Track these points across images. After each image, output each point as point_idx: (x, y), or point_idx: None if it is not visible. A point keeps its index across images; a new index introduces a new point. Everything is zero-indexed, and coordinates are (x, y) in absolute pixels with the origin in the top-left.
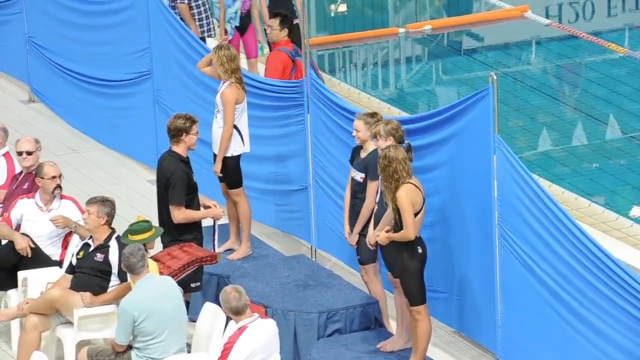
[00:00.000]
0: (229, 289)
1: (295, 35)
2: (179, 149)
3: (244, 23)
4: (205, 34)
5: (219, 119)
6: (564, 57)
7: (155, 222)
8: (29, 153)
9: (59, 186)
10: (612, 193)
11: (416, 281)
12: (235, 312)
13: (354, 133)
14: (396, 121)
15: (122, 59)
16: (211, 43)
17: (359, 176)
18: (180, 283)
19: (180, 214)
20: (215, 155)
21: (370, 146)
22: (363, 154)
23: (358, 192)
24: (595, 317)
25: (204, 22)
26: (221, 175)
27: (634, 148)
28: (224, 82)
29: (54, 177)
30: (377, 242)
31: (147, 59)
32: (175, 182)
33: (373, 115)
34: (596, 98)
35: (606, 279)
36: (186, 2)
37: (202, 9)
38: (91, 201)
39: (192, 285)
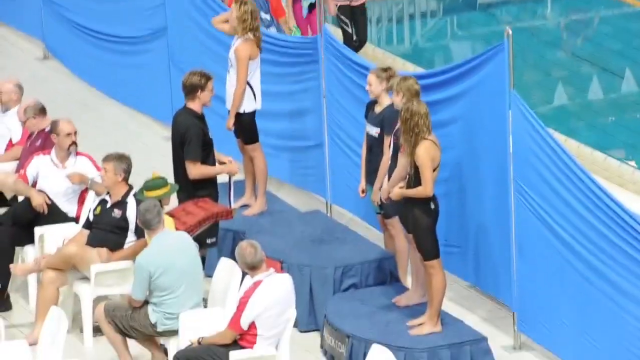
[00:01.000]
0: (244, 245)
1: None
2: (194, 106)
3: (312, 5)
4: None
5: (232, 74)
6: (579, 11)
7: (170, 178)
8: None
9: (74, 143)
10: (628, 146)
11: (429, 236)
12: (250, 267)
13: (367, 87)
14: (412, 77)
15: (136, 15)
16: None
17: (375, 131)
18: (196, 239)
19: (196, 170)
20: (229, 111)
21: (385, 100)
22: (378, 109)
23: (374, 146)
24: (611, 271)
25: None
26: (235, 130)
27: None
28: (238, 38)
29: (69, 134)
30: (389, 197)
31: (161, 15)
32: (190, 138)
33: (386, 70)
34: (612, 52)
35: (622, 232)
36: None
37: None
38: (107, 158)
39: (208, 241)
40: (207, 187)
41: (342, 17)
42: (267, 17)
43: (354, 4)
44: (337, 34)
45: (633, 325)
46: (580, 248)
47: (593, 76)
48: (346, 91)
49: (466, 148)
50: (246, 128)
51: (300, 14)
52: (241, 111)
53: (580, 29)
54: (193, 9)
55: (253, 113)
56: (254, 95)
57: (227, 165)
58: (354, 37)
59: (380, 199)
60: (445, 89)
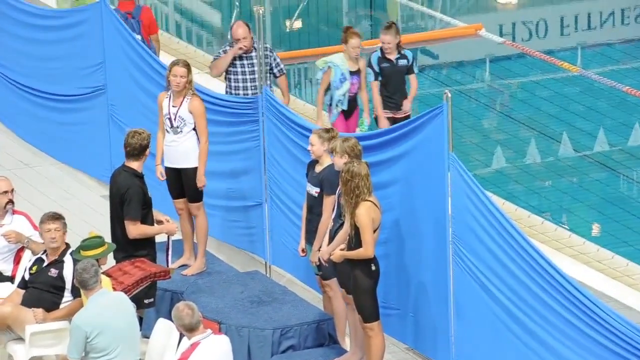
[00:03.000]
0: (181, 306)
1: None
2: (135, 165)
3: (351, 107)
4: (250, 91)
5: (184, 132)
6: (517, 75)
7: (108, 237)
8: None
9: (10, 201)
10: (564, 211)
11: (369, 298)
12: (188, 329)
13: (309, 147)
14: (354, 139)
15: (76, 73)
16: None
17: (314, 190)
18: (133, 299)
19: (135, 229)
20: (172, 169)
21: (326, 160)
22: (318, 168)
23: (314, 207)
24: (547, 334)
25: (248, 78)
26: (176, 189)
27: (586, 166)
28: (185, 98)
29: (5, 192)
30: (329, 258)
31: (101, 73)
32: (131, 197)
33: (328, 130)
34: (549, 116)
35: (558, 296)
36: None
37: (253, 68)
38: (54, 217)
39: (146, 301)
40: (146, 247)
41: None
42: (139, 37)
43: (398, 115)
44: (277, 94)
45: None
46: (517, 311)
47: (531, 140)
48: (286, 151)
49: (405, 209)
50: (193, 184)
51: (337, 123)
52: (191, 166)
53: (517, 93)
54: (132, 68)
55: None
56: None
57: (166, 225)
58: None
59: (319, 260)
60: (385, 150)
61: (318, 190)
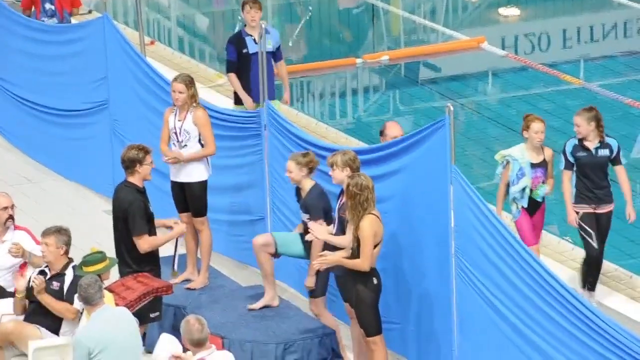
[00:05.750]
0: (192, 320)
1: None
2: (135, 180)
3: (535, 201)
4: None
5: (190, 146)
6: (520, 88)
7: (110, 252)
8: None
9: (11, 217)
10: (567, 224)
11: (371, 312)
12: (195, 344)
13: (287, 174)
14: (353, 152)
15: (78, 88)
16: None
17: (305, 217)
18: (138, 313)
19: (145, 243)
20: (176, 183)
21: (306, 185)
22: (303, 194)
23: (307, 230)
24: (551, 348)
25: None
26: (180, 204)
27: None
28: (187, 111)
29: (5, 208)
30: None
31: (103, 88)
32: (134, 213)
33: (305, 155)
34: (552, 129)
35: (562, 309)
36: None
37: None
38: (47, 232)
39: (151, 315)
40: (150, 262)
41: (586, 226)
42: (52, 7)
43: (600, 210)
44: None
45: None
46: (520, 324)
47: None
48: None
49: (408, 223)
50: (197, 198)
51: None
52: (194, 180)
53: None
54: (135, 83)
55: (205, 182)
56: (208, 162)
57: (175, 230)
58: (595, 246)
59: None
60: (387, 163)
61: (308, 216)
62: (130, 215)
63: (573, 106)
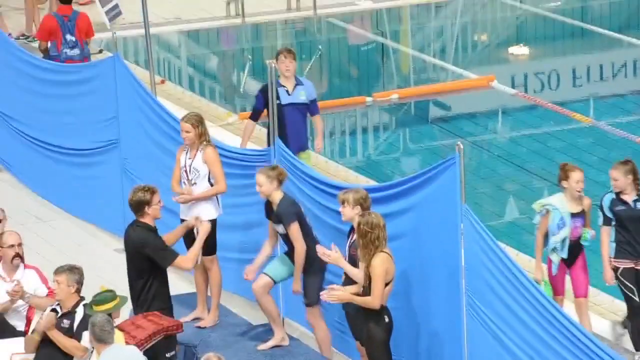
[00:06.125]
0: (214, 357)
1: None
2: (146, 220)
3: (574, 252)
4: None
5: (199, 184)
6: (530, 127)
7: (120, 291)
8: None
9: (18, 255)
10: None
11: (383, 350)
12: None
13: (258, 188)
14: (364, 191)
15: (89, 127)
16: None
17: (281, 229)
18: (154, 352)
19: (185, 262)
20: (182, 222)
21: (276, 197)
22: (274, 207)
23: (288, 243)
24: None
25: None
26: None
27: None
28: (197, 149)
29: (12, 246)
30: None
31: (114, 127)
32: (155, 248)
33: (274, 168)
34: None
35: (573, 348)
36: None
37: None
38: (59, 270)
39: (167, 355)
40: (165, 300)
41: (626, 282)
42: (72, 39)
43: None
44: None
45: None
46: None
47: (544, 191)
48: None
49: (418, 261)
50: (207, 237)
51: (550, 269)
52: (205, 219)
53: (530, 144)
54: (145, 122)
55: (214, 222)
56: (218, 201)
57: (202, 230)
58: (638, 301)
59: (304, 285)
60: (397, 201)
61: (282, 226)
62: (152, 252)
63: (583, 144)
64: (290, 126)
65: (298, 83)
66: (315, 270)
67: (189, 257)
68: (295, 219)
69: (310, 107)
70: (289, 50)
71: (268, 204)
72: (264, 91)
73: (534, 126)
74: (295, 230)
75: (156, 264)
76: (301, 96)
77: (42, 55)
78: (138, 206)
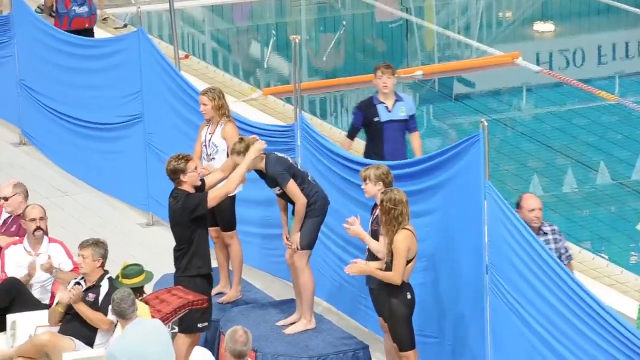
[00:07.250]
0: (240, 331)
1: None
2: (184, 187)
3: None
4: None
5: (217, 159)
6: (554, 104)
7: (146, 265)
8: (6, 199)
9: (39, 228)
10: (602, 240)
11: (405, 326)
12: (237, 355)
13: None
14: (386, 167)
15: (113, 102)
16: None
17: (277, 190)
18: (187, 322)
19: (225, 189)
20: None
21: (261, 164)
22: (265, 172)
23: (287, 199)
24: None
25: None
26: (211, 218)
27: (624, 195)
28: (218, 124)
29: (33, 219)
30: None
31: (138, 102)
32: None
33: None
34: (586, 145)
35: (596, 325)
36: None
37: None
38: (84, 245)
39: (199, 325)
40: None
41: None
42: None
43: None
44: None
45: None
46: (553, 341)
47: (568, 168)
48: (322, 178)
49: (442, 238)
50: (226, 213)
51: None
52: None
53: (554, 121)
54: (169, 96)
55: (234, 197)
56: None
57: (255, 146)
58: None
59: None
60: (421, 179)
61: (278, 188)
62: (196, 208)
63: (607, 122)
64: (388, 144)
65: (398, 99)
66: (311, 215)
67: (235, 176)
68: (288, 177)
69: (408, 123)
70: (387, 65)
71: (260, 174)
72: (362, 108)
73: (558, 103)
74: (292, 187)
75: (199, 223)
76: (401, 112)
77: (48, 13)
78: (174, 174)
